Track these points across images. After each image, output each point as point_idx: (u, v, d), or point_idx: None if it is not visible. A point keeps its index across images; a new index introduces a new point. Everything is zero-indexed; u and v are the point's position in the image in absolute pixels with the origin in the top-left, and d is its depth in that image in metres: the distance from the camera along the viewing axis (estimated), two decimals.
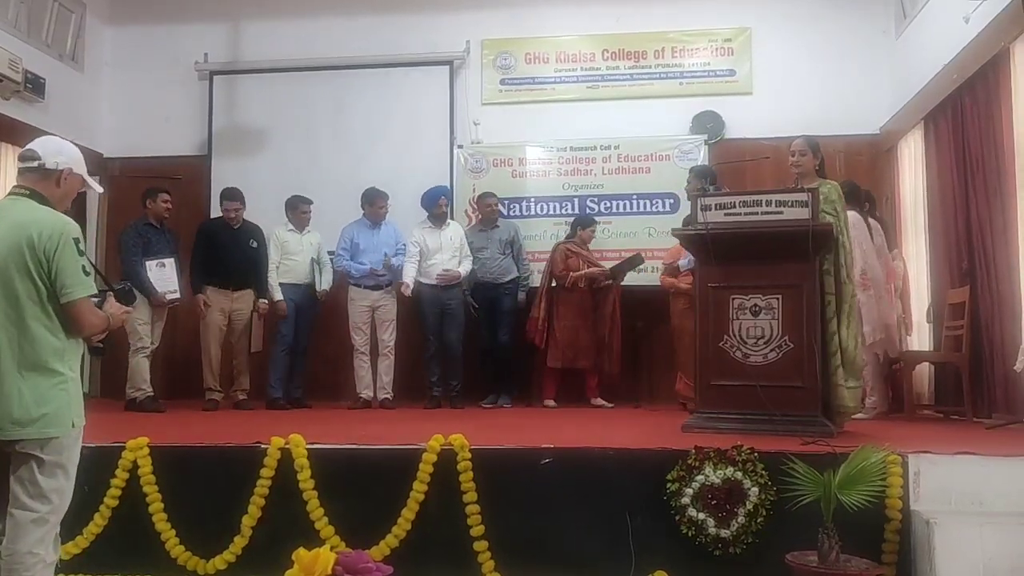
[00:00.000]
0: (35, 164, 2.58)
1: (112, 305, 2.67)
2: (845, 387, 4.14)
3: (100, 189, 2.76)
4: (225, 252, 6.25)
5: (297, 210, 6.48)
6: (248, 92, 7.72)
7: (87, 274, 2.51)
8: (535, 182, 7.31)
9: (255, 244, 6.39)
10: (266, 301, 6.32)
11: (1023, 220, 4.86)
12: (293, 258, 6.40)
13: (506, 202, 7.22)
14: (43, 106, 6.73)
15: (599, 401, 6.43)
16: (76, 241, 2.51)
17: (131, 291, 2.89)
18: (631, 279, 6.60)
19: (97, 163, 7.40)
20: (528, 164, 7.35)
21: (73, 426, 2.52)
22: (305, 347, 6.49)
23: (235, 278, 6.26)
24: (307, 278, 6.45)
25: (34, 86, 6.56)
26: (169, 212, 6.21)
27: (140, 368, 5.98)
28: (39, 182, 2.59)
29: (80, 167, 2.69)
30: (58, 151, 2.63)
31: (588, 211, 7.04)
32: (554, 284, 6.59)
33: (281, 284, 6.32)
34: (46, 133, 2.81)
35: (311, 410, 6.16)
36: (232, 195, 6.40)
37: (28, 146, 2.62)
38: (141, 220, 6.16)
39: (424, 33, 7.52)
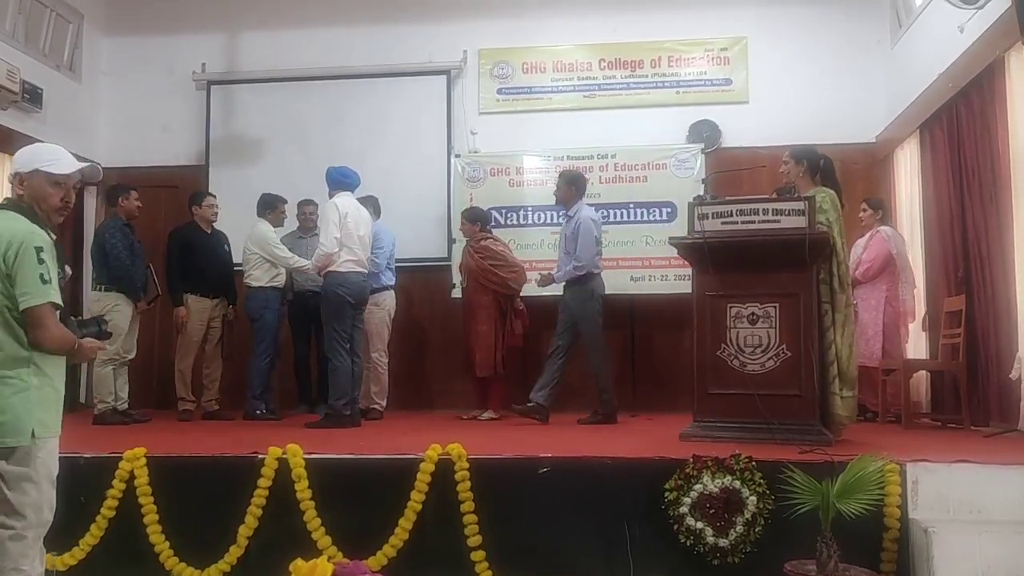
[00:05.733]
0: (10, 177, 2.67)
1: (87, 341, 2.64)
2: (840, 396, 4.14)
3: (68, 170, 2.64)
4: (204, 259, 6.11)
5: (276, 209, 6.36)
6: (246, 102, 7.72)
7: (45, 282, 2.47)
8: (532, 191, 7.30)
9: (228, 248, 6.33)
10: (234, 308, 6.26)
11: (1019, 228, 4.88)
12: None
13: (503, 211, 7.23)
14: (41, 116, 6.73)
15: (484, 415, 6.08)
16: (38, 250, 2.47)
17: (105, 332, 2.80)
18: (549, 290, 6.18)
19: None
20: (525, 173, 7.35)
21: (34, 435, 2.43)
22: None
23: (216, 285, 6.16)
24: (285, 280, 6.35)
25: (32, 96, 6.56)
26: (139, 211, 6.01)
27: (104, 379, 5.68)
28: (14, 192, 2.65)
29: (34, 163, 2.62)
30: (17, 159, 2.66)
31: None
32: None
33: (272, 287, 6.17)
34: (42, 143, 2.83)
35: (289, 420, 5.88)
36: (207, 194, 6.36)
37: None
38: (118, 220, 5.86)
39: (421, 43, 7.54)
